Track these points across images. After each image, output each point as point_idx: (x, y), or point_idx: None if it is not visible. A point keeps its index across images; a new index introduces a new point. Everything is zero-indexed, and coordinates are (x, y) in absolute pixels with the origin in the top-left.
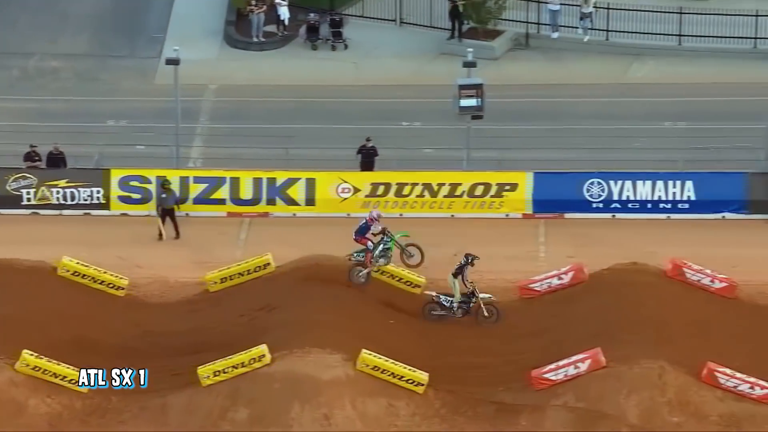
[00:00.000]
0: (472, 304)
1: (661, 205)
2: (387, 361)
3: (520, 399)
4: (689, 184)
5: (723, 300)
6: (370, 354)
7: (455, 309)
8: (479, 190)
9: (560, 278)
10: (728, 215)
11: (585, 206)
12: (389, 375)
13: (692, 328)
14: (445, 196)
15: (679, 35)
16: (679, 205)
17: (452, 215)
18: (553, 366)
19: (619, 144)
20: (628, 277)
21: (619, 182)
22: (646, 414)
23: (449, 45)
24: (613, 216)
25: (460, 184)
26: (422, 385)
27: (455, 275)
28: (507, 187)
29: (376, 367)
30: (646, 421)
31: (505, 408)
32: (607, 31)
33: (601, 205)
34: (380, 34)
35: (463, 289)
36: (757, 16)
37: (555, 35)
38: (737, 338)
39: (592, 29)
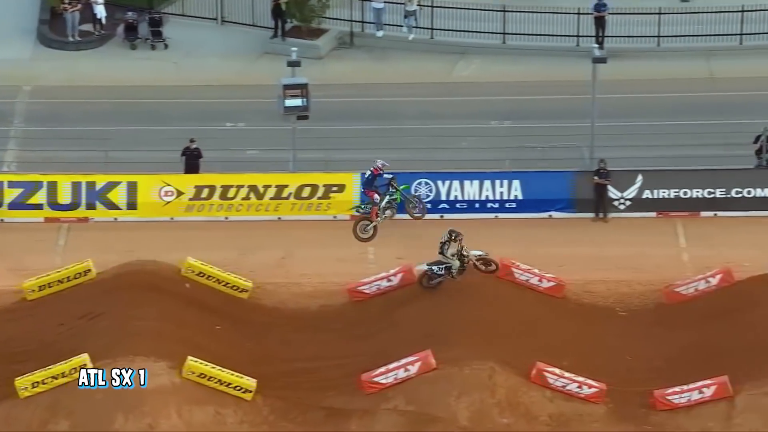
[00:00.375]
0: (466, 264)
1: (489, 205)
2: (214, 368)
3: (351, 403)
4: (516, 183)
5: (551, 299)
6: (196, 361)
7: (454, 274)
8: (306, 192)
9: (390, 280)
10: (555, 214)
11: None
12: (216, 382)
13: (521, 328)
14: (271, 198)
15: (504, 33)
16: (507, 205)
17: (279, 218)
18: (383, 369)
19: (447, 144)
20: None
21: (447, 182)
22: (476, 416)
23: (273, 44)
24: (442, 216)
25: (286, 186)
26: (250, 391)
27: (442, 253)
28: (334, 189)
29: (202, 374)
30: (476, 422)
31: (335, 413)
32: (432, 29)
33: (429, 206)
34: (201, 33)
35: (447, 260)
36: (579, 14)
37: (380, 34)
38: (565, 337)
39: (416, 27)
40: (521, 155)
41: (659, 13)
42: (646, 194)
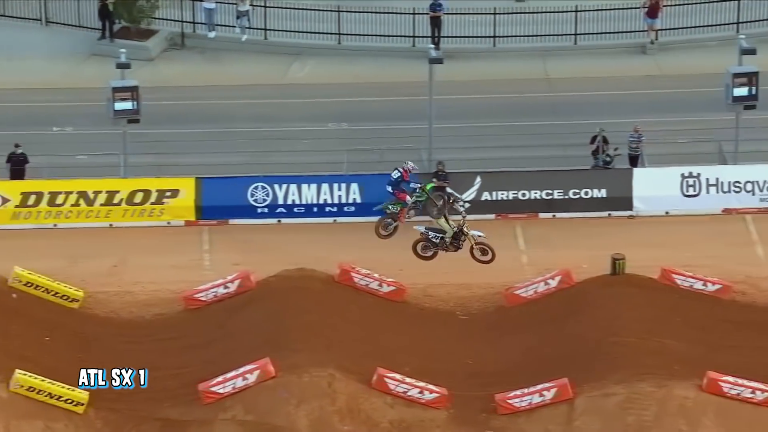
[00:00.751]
0: (463, 240)
1: (327, 209)
2: (43, 380)
3: (187, 414)
4: (354, 186)
5: (392, 304)
6: (24, 374)
7: (447, 244)
8: (138, 198)
9: (226, 287)
10: None
11: (250, 212)
12: (46, 395)
13: (362, 334)
14: (102, 205)
15: (339, 34)
16: (345, 208)
17: (111, 224)
18: (220, 378)
19: (283, 146)
20: (295, 283)
21: (284, 186)
22: (316, 424)
23: (101, 45)
24: (279, 221)
25: (117, 192)
26: (82, 404)
27: (440, 210)
28: (168, 194)
29: (31, 387)
30: (317, 430)
31: (171, 424)
32: (266, 30)
33: (266, 210)
34: (24, 35)
35: (445, 226)
36: (414, 14)
37: (212, 35)
38: (406, 342)
39: (249, 28)
40: (359, 158)
41: (494, 14)
42: (485, 196)
